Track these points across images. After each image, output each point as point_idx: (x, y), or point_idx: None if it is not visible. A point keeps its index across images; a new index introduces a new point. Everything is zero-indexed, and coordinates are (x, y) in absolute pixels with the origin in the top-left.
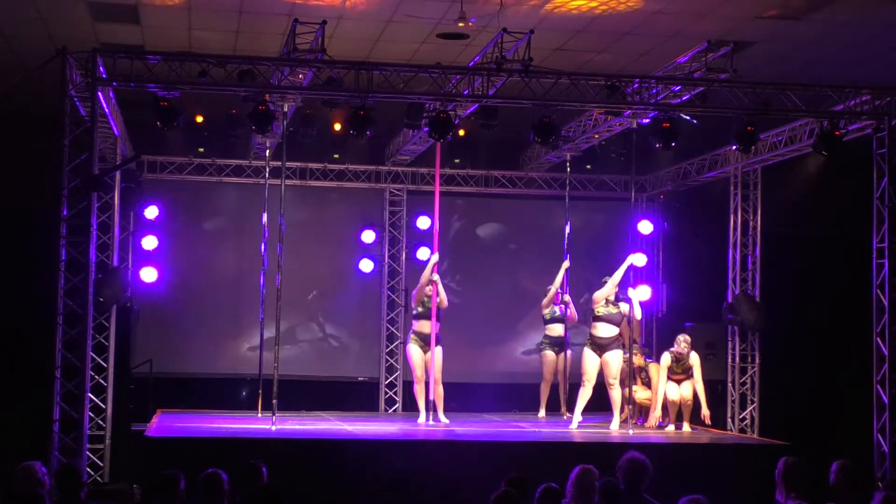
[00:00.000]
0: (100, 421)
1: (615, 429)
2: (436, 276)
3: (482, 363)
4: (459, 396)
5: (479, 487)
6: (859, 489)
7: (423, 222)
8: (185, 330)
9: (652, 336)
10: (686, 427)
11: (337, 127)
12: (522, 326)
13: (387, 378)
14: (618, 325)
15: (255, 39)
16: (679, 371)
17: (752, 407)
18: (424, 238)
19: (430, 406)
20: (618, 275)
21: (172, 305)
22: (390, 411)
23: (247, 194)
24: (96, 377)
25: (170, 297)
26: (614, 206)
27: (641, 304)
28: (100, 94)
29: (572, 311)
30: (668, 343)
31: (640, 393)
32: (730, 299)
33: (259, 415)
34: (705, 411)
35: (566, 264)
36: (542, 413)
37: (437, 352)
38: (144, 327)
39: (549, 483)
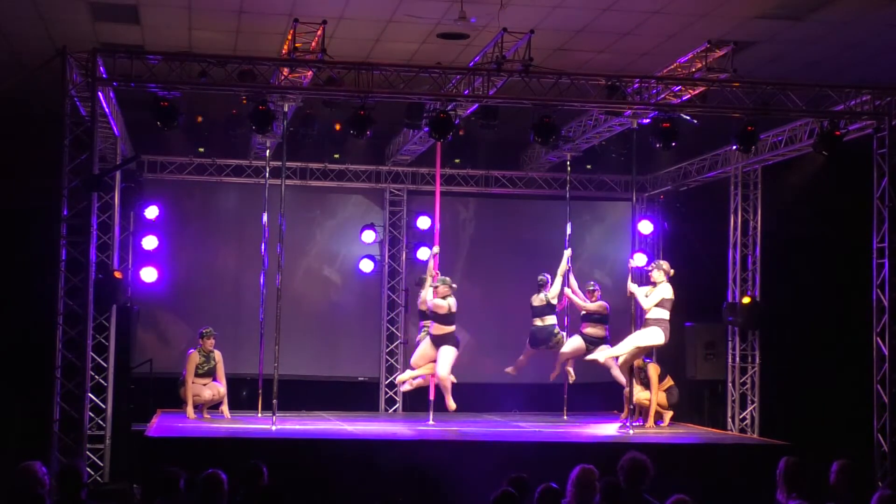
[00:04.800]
0: (100, 421)
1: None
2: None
3: (482, 363)
4: (460, 396)
5: (480, 487)
6: (859, 489)
7: (423, 222)
8: (185, 330)
9: None
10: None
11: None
12: (522, 326)
13: (387, 378)
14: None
15: (255, 39)
16: None
17: (752, 407)
18: (424, 238)
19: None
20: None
21: (172, 305)
22: (390, 411)
23: (247, 194)
24: (96, 377)
25: (170, 297)
26: (614, 206)
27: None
28: (100, 94)
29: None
30: (668, 343)
31: (640, 393)
32: (729, 299)
33: (259, 415)
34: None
35: (568, 252)
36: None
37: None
38: (144, 327)
39: (548, 483)
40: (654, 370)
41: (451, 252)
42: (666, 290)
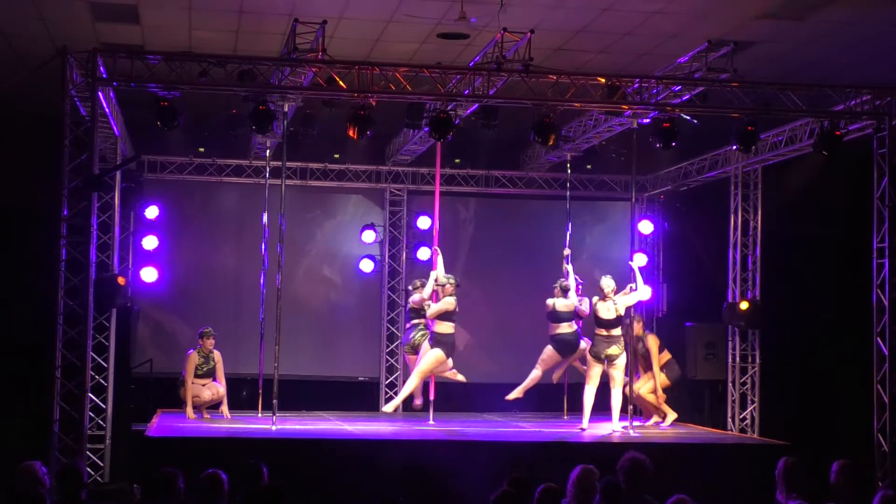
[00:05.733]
0: (100, 421)
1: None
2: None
3: (482, 363)
4: (460, 396)
5: (480, 487)
6: (859, 489)
7: (423, 222)
8: (185, 330)
9: None
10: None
11: (351, 133)
12: (523, 326)
13: (387, 378)
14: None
15: (255, 39)
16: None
17: (752, 407)
18: (425, 238)
19: (431, 406)
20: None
21: (172, 305)
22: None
23: (247, 194)
24: (96, 377)
25: (170, 297)
26: (614, 206)
27: (642, 303)
28: (100, 94)
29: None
30: (668, 343)
31: (643, 387)
32: (729, 299)
33: (259, 415)
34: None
35: (567, 251)
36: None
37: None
38: (144, 327)
39: (548, 483)
40: (653, 341)
41: (451, 252)
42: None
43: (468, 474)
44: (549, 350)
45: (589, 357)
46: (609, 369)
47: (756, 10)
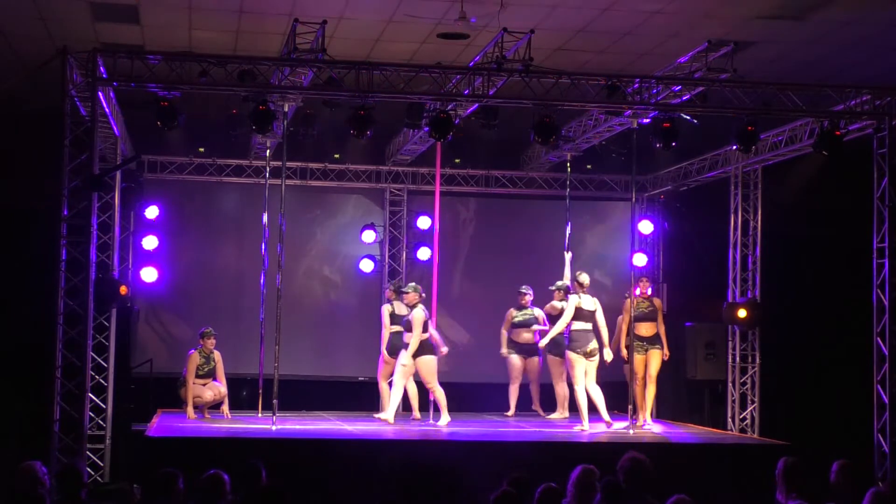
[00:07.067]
0: (100, 421)
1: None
2: None
3: (482, 363)
4: (460, 396)
5: (480, 487)
6: (859, 489)
7: (423, 222)
8: (185, 330)
9: None
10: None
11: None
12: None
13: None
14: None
15: (255, 39)
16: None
17: (752, 407)
18: (425, 238)
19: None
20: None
21: (172, 305)
22: None
23: (247, 194)
24: (96, 377)
25: (170, 297)
26: (614, 206)
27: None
28: (100, 94)
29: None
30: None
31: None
32: (729, 298)
33: (259, 415)
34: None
35: (568, 254)
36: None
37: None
38: (144, 327)
39: (549, 483)
40: (660, 303)
41: (451, 252)
42: None
43: (468, 474)
44: None
45: (571, 356)
46: (589, 364)
47: (756, 10)
